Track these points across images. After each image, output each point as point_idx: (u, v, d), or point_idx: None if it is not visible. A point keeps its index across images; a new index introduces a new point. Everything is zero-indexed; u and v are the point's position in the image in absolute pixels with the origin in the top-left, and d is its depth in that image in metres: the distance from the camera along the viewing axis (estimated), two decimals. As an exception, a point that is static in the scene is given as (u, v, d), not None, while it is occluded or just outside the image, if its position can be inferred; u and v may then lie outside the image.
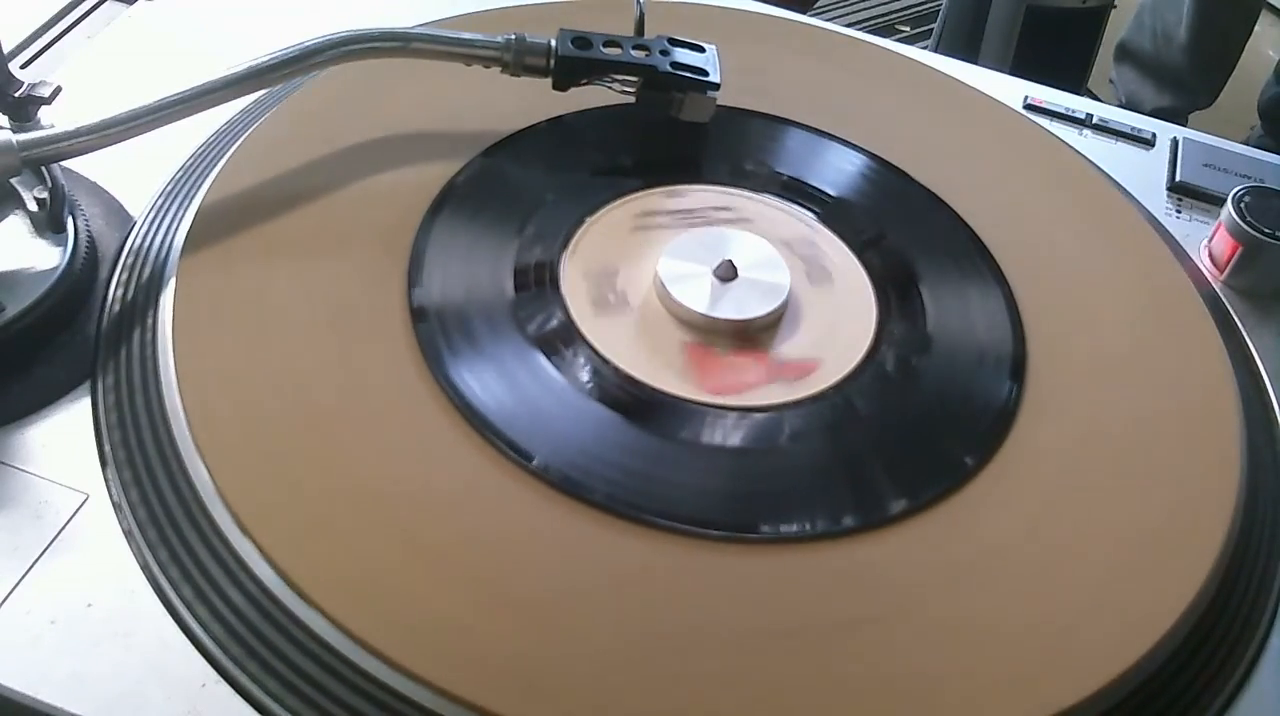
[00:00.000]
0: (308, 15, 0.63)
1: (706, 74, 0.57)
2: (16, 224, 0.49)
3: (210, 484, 0.42)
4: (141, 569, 0.41)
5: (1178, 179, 0.64)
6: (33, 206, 0.48)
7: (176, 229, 0.51)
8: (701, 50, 0.58)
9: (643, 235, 0.54)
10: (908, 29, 1.73)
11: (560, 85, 0.56)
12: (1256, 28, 1.48)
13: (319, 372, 0.46)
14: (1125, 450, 0.49)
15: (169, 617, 0.40)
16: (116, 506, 0.43)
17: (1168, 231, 0.61)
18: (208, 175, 0.53)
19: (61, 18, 0.64)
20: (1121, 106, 0.73)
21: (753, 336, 0.51)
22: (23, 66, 0.61)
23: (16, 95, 0.53)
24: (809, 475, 0.46)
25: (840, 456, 0.47)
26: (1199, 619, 0.44)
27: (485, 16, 0.65)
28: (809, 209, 0.57)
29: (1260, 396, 0.54)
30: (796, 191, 0.58)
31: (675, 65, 0.56)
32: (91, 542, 0.42)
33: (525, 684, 0.39)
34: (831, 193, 0.58)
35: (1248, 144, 0.72)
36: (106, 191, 0.54)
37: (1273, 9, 1.79)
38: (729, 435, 0.47)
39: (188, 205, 0.52)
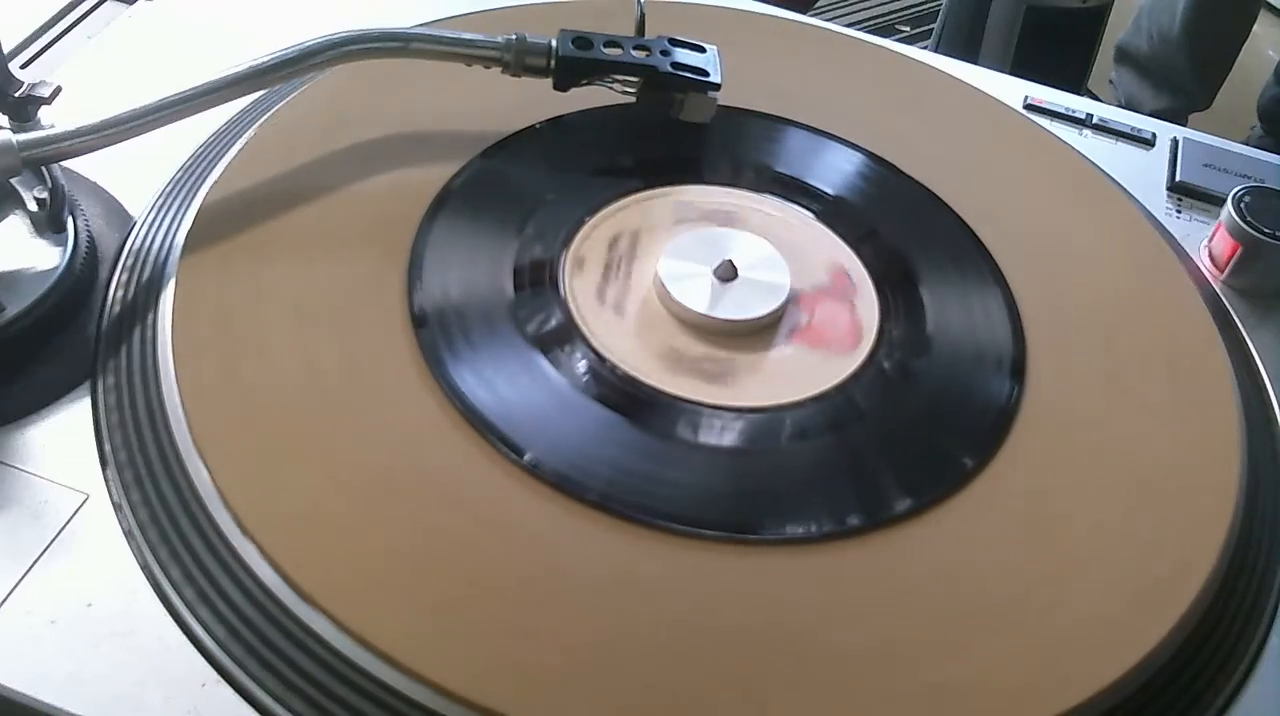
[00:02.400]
0: (308, 15, 0.63)
1: (707, 74, 0.57)
2: (16, 224, 0.49)
3: (210, 484, 0.42)
4: (142, 569, 0.41)
5: (1178, 179, 0.64)
6: (33, 206, 0.48)
7: (177, 229, 0.51)
8: (702, 51, 0.58)
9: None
10: (908, 29, 1.73)
11: (561, 85, 0.56)
12: (1256, 28, 1.48)
13: (319, 373, 0.46)
14: (1125, 450, 0.49)
15: (169, 617, 0.40)
16: (117, 506, 0.43)
17: (1168, 231, 0.61)
18: (208, 175, 0.53)
19: (61, 18, 0.64)
20: (1121, 108, 0.73)
21: (752, 337, 0.51)
22: (23, 66, 0.61)
23: (16, 95, 0.53)
24: (808, 476, 0.46)
25: (839, 457, 0.47)
26: (1199, 619, 0.44)
27: (485, 16, 0.65)
28: (808, 208, 0.57)
29: (1260, 396, 0.54)
30: (796, 191, 0.58)
31: (676, 65, 0.56)
32: (91, 542, 0.42)
33: (525, 683, 0.39)
34: (830, 192, 0.58)
35: (1247, 144, 0.72)
36: (106, 191, 0.54)
37: (1272, 9, 1.79)
38: (728, 435, 0.47)
39: (188, 205, 0.52)
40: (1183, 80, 1.46)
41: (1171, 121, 0.71)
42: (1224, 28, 1.43)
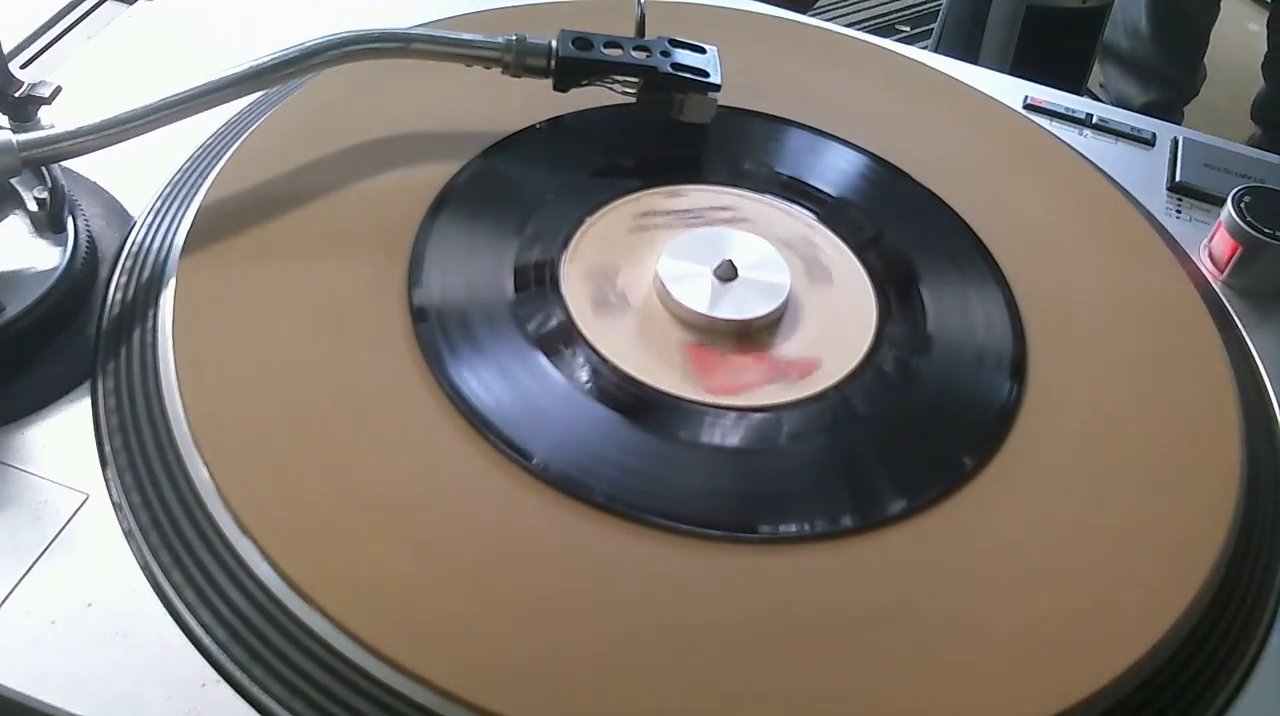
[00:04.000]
0: (308, 15, 0.63)
1: (707, 75, 0.57)
2: (16, 224, 0.49)
3: (211, 484, 0.42)
4: (142, 569, 0.41)
5: (1178, 179, 0.64)
6: (33, 206, 0.48)
7: (176, 229, 0.51)
8: (702, 51, 0.58)
9: (642, 235, 0.54)
10: (908, 29, 1.73)
11: (561, 86, 0.56)
12: (1255, 26, 1.49)
13: (319, 373, 0.46)
14: (1125, 450, 0.49)
15: (169, 618, 0.40)
16: (117, 507, 0.43)
17: (1168, 231, 0.61)
18: (208, 175, 0.53)
19: (61, 18, 0.64)
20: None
21: (753, 336, 0.51)
22: (23, 66, 0.61)
23: (16, 95, 0.53)
24: (809, 475, 0.46)
25: (840, 456, 0.47)
26: (1199, 619, 0.44)
27: (485, 16, 0.65)
28: (809, 209, 0.57)
29: (1260, 396, 0.54)
30: (796, 191, 0.58)
31: (676, 66, 0.56)
32: (91, 543, 0.42)
33: (526, 684, 0.39)
34: (831, 193, 0.58)
35: (1248, 144, 0.72)
36: (106, 191, 0.54)
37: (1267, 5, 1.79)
38: (729, 435, 0.47)
39: (188, 205, 0.52)
40: (1162, 70, 1.47)
41: (1164, 115, 0.71)
42: (1187, 8, 1.45)
